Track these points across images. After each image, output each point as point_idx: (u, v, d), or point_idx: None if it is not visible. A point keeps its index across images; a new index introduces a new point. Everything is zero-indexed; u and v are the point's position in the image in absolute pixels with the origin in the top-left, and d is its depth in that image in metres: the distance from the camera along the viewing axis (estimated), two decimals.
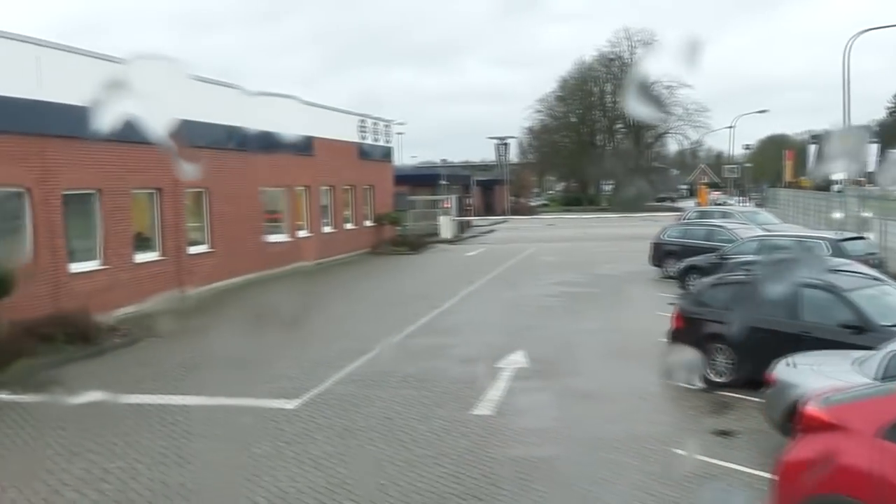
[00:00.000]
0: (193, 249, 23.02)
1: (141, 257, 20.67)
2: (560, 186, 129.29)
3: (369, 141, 37.46)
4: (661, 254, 26.36)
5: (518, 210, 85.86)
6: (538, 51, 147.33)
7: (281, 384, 12.90)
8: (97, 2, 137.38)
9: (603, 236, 45.78)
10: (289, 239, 28.79)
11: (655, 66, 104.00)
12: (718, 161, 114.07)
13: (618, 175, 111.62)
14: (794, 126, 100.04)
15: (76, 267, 18.13)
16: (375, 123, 38.20)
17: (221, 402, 11.95)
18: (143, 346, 16.24)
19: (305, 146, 30.45)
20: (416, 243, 38.13)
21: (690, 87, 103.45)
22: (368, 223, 37.50)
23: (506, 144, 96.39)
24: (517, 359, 14.32)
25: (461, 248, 40.96)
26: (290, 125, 28.96)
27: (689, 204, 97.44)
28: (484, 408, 11.45)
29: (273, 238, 27.83)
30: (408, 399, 12.02)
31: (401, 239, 38.18)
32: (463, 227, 49.59)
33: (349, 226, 35.15)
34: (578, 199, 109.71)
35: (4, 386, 12.83)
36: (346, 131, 34.75)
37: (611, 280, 25.90)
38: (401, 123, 41.00)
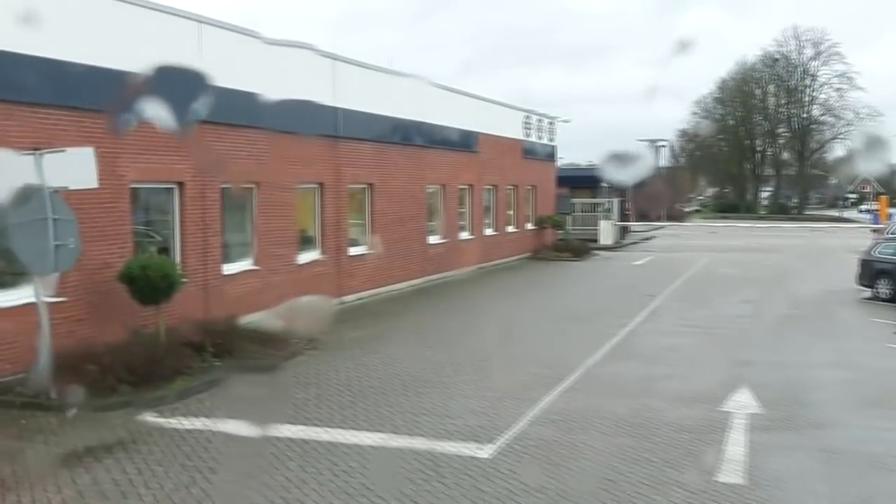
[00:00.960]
0: (353, 251, 21.27)
1: (303, 258, 19.02)
2: (710, 192, 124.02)
3: (533, 139, 35.21)
4: (873, 272, 23.08)
5: (673, 216, 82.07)
6: (690, 52, 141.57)
7: (466, 420, 10.76)
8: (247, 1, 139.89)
9: (776, 247, 42.11)
10: (448, 241, 26.81)
11: (826, 68, 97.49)
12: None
13: (780, 182, 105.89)
14: None
15: (228, 268, 16.50)
16: (540, 120, 35.92)
17: (401, 444, 9.86)
18: (302, 360, 14.42)
19: (470, 142, 28.45)
20: (580, 249, 35.64)
21: (863, 89, 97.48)
22: (530, 226, 35.25)
23: (658, 147, 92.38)
24: (745, 400, 11.76)
25: (625, 255, 38.23)
26: (457, 118, 27.04)
27: (858, 215, 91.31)
28: (730, 473, 8.95)
29: (433, 240, 25.93)
30: (626, 452, 9.63)
31: (563, 244, 35.77)
32: (622, 233, 46.76)
33: (511, 228, 32.99)
34: (735, 206, 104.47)
35: (156, 407, 11.19)
36: (511, 128, 32.59)
37: (812, 301, 22.83)
38: (565, 121, 38.31)
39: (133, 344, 12.18)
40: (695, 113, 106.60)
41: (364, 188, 21.93)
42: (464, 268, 27.58)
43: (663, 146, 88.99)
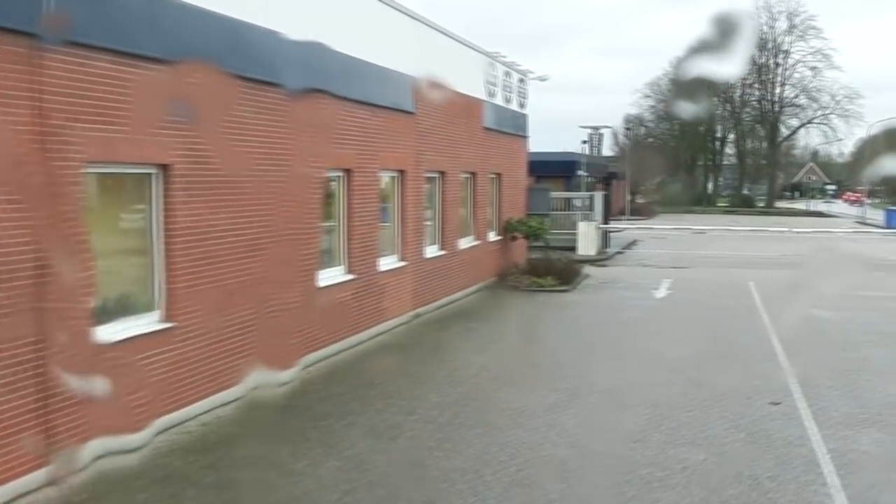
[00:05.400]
0: None
1: None
2: (654, 182, 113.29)
3: (499, 101, 22.80)
4: None
5: (638, 210, 70.60)
6: (646, 41, 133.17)
7: None
8: None
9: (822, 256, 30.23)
10: (357, 277, 14.26)
11: (800, 44, 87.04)
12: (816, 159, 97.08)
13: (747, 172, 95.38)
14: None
15: None
16: (508, 74, 23.51)
17: None
18: None
19: (401, 95, 15.98)
20: (566, 271, 23.30)
21: (840, 68, 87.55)
22: (493, 236, 22.90)
23: (600, 135, 79.56)
24: None
25: (626, 275, 26.13)
26: (379, 48, 14.69)
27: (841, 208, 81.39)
28: None
29: (329, 277, 13.40)
30: None
31: (542, 263, 23.32)
32: (606, 238, 34.70)
33: (466, 242, 20.58)
34: (697, 198, 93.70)
35: None
36: (467, 80, 20.07)
37: None
38: (542, 78, 25.90)
39: None
40: (647, 96, 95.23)
41: (146, 175, 9.31)
42: (386, 319, 15.20)
43: (602, 133, 76.66)
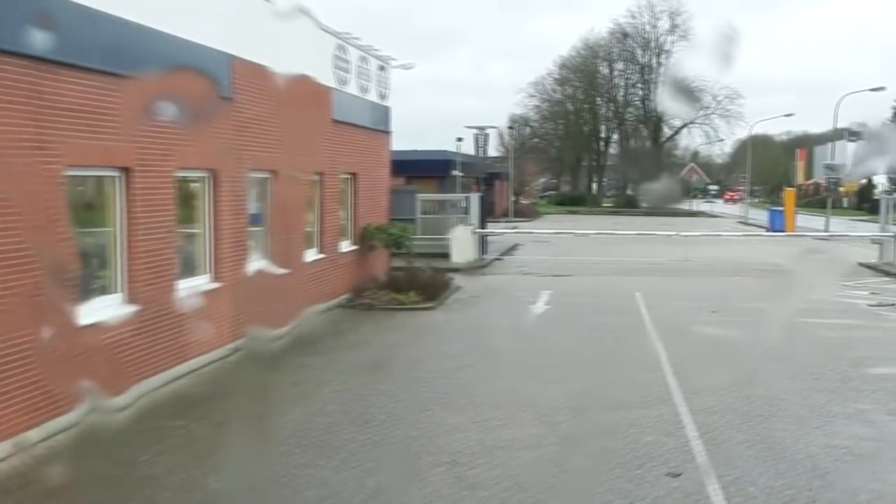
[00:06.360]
0: None
1: None
2: (539, 182, 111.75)
3: (353, 90, 19.77)
4: None
5: (522, 212, 68.63)
6: (539, 43, 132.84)
7: None
8: None
9: (725, 263, 28.13)
10: (147, 307, 11.03)
11: (682, 43, 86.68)
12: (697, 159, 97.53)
13: (632, 172, 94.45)
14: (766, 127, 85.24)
15: None
16: (364, 60, 20.48)
17: None
18: None
19: (215, 76, 12.79)
20: (433, 284, 20.42)
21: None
22: (348, 246, 19.82)
23: (485, 135, 77.09)
24: None
25: (503, 285, 23.51)
26: (186, 21, 11.49)
27: (721, 207, 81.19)
28: None
29: (99, 311, 10.12)
30: None
31: (405, 276, 20.36)
32: (484, 244, 31.99)
33: (309, 255, 17.41)
34: (581, 199, 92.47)
35: None
36: (310, 63, 16.93)
37: None
38: (406, 66, 23.02)
39: None
40: (532, 96, 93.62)
41: None
42: (190, 358, 12.01)
43: (488, 133, 74.33)
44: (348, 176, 19.72)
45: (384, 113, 22.03)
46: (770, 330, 16.63)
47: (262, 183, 15.15)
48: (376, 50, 21.02)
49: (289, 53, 14.53)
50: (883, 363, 13.91)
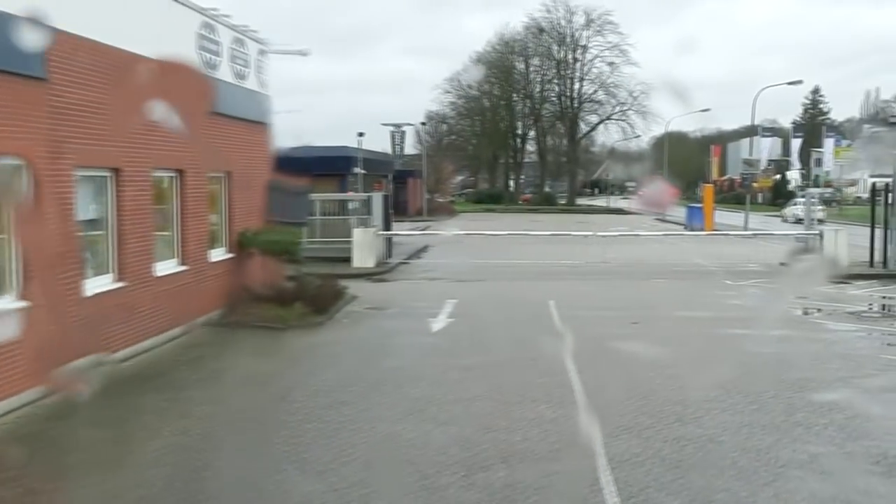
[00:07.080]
0: None
1: None
2: (457, 180, 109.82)
3: (226, 76, 17.22)
4: None
5: (437, 210, 66.61)
6: (458, 41, 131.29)
7: None
8: None
9: (647, 265, 26.17)
10: None
11: (598, 39, 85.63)
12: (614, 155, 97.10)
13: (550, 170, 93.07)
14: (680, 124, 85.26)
15: None
16: (239, 42, 17.94)
17: None
18: None
19: (18, 47, 10.16)
20: (323, 297, 17.97)
21: (637, 64, 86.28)
22: (221, 254, 17.26)
23: (402, 133, 74.71)
24: None
25: (402, 296, 21.23)
26: None
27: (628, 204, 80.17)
28: None
29: None
30: None
31: (291, 287, 17.88)
32: (389, 246, 29.65)
33: (168, 268, 14.81)
34: (498, 196, 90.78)
35: None
36: (167, 43, 14.34)
37: None
38: (302, 53, 20.68)
39: None
40: (447, 92, 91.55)
41: None
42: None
43: (405, 130, 72.03)
44: (220, 174, 17.16)
45: (264, 102, 19.50)
46: (696, 345, 14.75)
47: (100, 183, 12.55)
48: (252, 31, 18.49)
49: (128, 27, 12.03)
50: (828, 387, 12.00)
